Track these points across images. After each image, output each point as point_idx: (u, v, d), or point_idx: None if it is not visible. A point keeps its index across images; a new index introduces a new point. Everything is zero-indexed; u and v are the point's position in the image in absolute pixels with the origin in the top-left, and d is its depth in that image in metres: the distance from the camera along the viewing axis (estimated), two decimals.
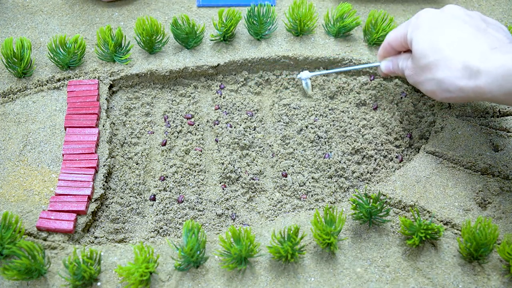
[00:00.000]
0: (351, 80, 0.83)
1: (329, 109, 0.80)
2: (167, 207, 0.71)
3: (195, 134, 0.78)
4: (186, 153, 0.76)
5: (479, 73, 0.62)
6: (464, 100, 0.67)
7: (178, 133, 0.78)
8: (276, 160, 0.76)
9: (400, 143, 0.77)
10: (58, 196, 0.68)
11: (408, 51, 0.74)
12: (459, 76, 0.64)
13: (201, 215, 0.71)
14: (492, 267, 0.64)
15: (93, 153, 0.72)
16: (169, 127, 0.79)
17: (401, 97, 0.81)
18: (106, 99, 0.79)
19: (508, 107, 0.77)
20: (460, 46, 0.65)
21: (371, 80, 0.83)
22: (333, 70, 0.81)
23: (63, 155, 0.72)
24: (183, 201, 0.72)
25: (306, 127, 0.79)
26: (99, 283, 0.62)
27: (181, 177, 0.74)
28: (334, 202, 0.72)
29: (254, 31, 0.84)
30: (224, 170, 0.74)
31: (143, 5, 0.91)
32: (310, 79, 0.81)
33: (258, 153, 0.77)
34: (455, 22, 0.67)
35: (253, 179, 0.74)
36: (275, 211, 0.71)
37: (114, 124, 0.78)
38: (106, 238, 0.68)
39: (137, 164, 0.75)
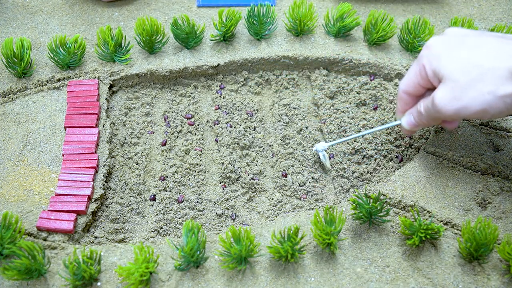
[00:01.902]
0: (351, 80, 0.83)
1: (329, 109, 0.80)
2: (167, 207, 0.71)
3: (195, 134, 0.78)
4: (186, 153, 0.76)
5: None
6: None
7: (178, 133, 0.78)
8: (276, 160, 0.76)
9: (400, 143, 0.77)
10: (58, 196, 0.68)
11: (425, 95, 0.68)
12: (510, 83, 0.60)
13: (201, 215, 0.71)
14: (492, 267, 0.64)
15: (93, 153, 0.72)
16: (169, 127, 0.79)
17: None
18: (106, 99, 0.79)
19: None
20: (497, 54, 0.61)
21: (371, 80, 0.83)
22: (350, 136, 0.74)
23: (63, 155, 0.72)
24: (183, 201, 0.72)
25: (306, 127, 0.79)
26: (99, 283, 0.62)
27: (181, 177, 0.74)
28: (334, 202, 0.72)
29: (254, 31, 0.84)
30: (224, 170, 0.74)
31: (143, 5, 0.91)
32: (326, 150, 0.75)
33: (258, 153, 0.77)
34: (471, 38, 0.64)
35: (253, 179, 0.74)
36: (275, 211, 0.72)
37: (114, 124, 0.78)
38: (106, 238, 0.68)
39: (137, 164, 0.75)
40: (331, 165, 0.75)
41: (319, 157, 0.75)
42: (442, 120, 0.68)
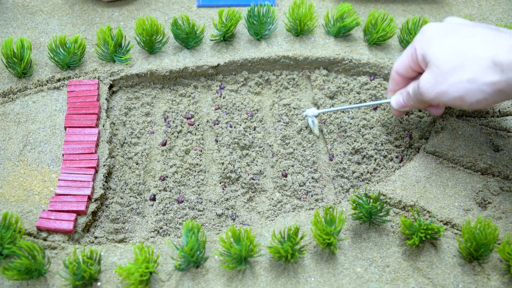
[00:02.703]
0: (351, 80, 0.83)
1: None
2: (167, 207, 0.71)
3: (195, 134, 0.78)
4: (186, 153, 0.76)
5: (511, 66, 0.60)
6: (494, 100, 0.63)
7: (178, 133, 0.78)
8: (276, 160, 0.76)
9: (400, 143, 0.77)
10: (58, 196, 0.68)
11: (416, 78, 0.70)
12: (491, 72, 0.61)
13: (201, 215, 0.71)
14: (492, 267, 0.64)
15: (93, 153, 0.72)
16: (169, 127, 0.79)
17: None
18: (106, 99, 0.79)
19: (508, 107, 0.77)
20: (484, 44, 0.62)
21: (371, 80, 0.83)
22: (342, 107, 0.77)
23: (63, 155, 0.72)
24: (183, 201, 0.72)
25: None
26: (99, 283, 0.62)
27: (181, 177, 0.74)
28: (334, 202, 0.72)
29: (254, 31, 0.84)
30: (224, 170, 0.74)
31: (143, 5, 0.91)
32: (317, 116, 0.77)
33: (258, 153, 0.77)
34: (466, 27, 0.66)
35: (253, 179, 0.74)
36: (275, 211, 0.71)
37: (114, 124, 0.78)
38: (106, 238, 0.68)
39: (137, 164, 0.75)
40: (334, 165, 0.75)
41: (308, 123, 0.77)
42: (428, 105, 0.70)
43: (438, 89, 0.64)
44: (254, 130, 0.79)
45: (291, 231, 0.62)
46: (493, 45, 0.62)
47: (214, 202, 0.72)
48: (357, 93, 0.82)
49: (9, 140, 0.74)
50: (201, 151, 0.76)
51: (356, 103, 0.76)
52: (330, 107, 0.78)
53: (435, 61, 0.64)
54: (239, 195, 0.73)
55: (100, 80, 0.80)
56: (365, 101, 0.81)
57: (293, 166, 0.75)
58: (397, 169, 0.74)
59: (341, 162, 0.75)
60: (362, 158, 0.76)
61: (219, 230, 0.70)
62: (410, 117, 0.79)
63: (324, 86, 0.82)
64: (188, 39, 0.83)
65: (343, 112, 0.80)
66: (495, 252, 0.64)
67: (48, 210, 0.67)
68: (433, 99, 0.66)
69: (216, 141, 0.77)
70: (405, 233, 0.64)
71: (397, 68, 0.71)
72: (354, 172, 0.74)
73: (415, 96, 0.68)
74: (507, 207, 0.68)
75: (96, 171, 0.71)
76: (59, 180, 0.69)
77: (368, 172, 0.74)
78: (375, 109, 0.80)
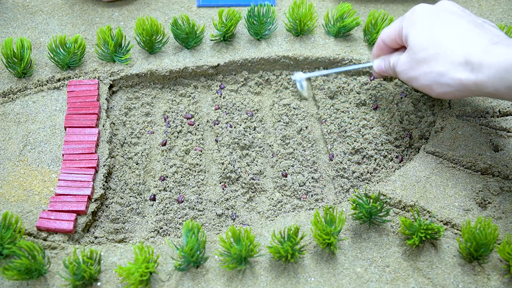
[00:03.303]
0: (351, 80, 0.83)
1: (329, 109, 0.80)
2: (167, 207, 0.71)
3: (195, 134, 0.78)
4: (186, 153, 0.76)
5: (481, 67, 0.61)
6: (461, 95, 0.66)
7: (178, 133, 0.78)
8: (276, 160, 0.76)
9: (400, 143, 0.77)
10: (58, 196, 0.68)
11: (401, 49, 0.73)
12: (461, 70, 0.63)
13: (201, 215, 0.71)
14: (492, 267, 0.64)
15: (93, 153, 0.72)
16: (169, 127, 0.79)
17: (401, 97, 0.81)
18: (106, 99, 0.79)
19: (508, 107, 0.77)
20: (461, 39, 0.64)
21: (371, 80, 0.83)
22: (327, 71, 0.79)
23: (63, 155, 0.72)
24: (183, 201, 0.72)
25: (306, 127, 0.79)
26: (99, 283, 0.62)
27: (181, 177, 0.74)
28: (334, 202, 0.72)
29: (254, 31, 0.84)
30: (224, 170, 0.74)
31: (143, 5, 0.91)
32: (306, 80, 0.80)
33: (258, 153, 0.77)
34: (453, 16, 0.67)
35: (253, 179, 0.74)
36: (275, 211, 0.71)
37: (114, 124, 0.78)
38: (106, 238, 0.68)
39: (137, 164, 0.75)
40: (333, 162, 0.75)
41: (297, 86, 0.79)
42: None
43: (410, 74, 0.68)
44: (254, 130, 0.79)
45: (291, 231, 0.62)
46: (470, 42, 0.63)
47: (214, 202, 0.72)
48: (357, 93, 0.82)
49: (9, 140, 0.74)
50: (201, 151, 0.76)
51: (341, 67, 0.79)
52: (315, 71, 0.81)
53: (413, 47, 0.67)
54: (239, 195, 0.73)
55: (100, 80, 0.80)
56: (365, 101, 0.81)
57: (293, 166, 0.75)
58: (397, 169, 0.74)
59: (341, 162, 0.75)
60: (362, 158, 0.75)
61: (219, 230, 0.70)
62: (410, 117, 0.79)
63: (324, 86, 0.82)
64: (188, 39, 0.83)
65: (343, 112, 0.80)
66: (495, 252, 0.64)
67: (48, 210, 0.67)
68: (405, 81, 0.70)
69: (216, 141, 0.77)
70: (405, 233, 0.64)
71: (383, 37, 0.73)
72: (354, 172, 0.74)
73: (392, 69, 0.72)
74: (507, 207, 0.68)
75: (96, 171, 0.71)
76: (59, 180, 0.69)
77: (368, 172, 0.74)
78: (375, 109, 0.80)
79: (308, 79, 0.84)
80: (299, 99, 0.82)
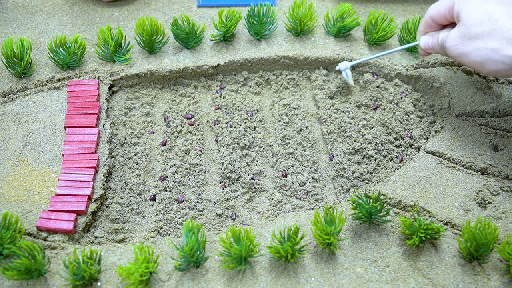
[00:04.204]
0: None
1: (329, 109, 0.80)
2: (167, 207, 0.71)
3: (195, 134, 0.78)
4: (186, 153, 0.76)
5: None
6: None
7: (178, 133, 0.78)
8: (276, 160, 0.76)
9: (400, 143, 0.77)
10: (58, 196, 0.68)
11: (449, 26, 0.72)
12: None
13: (201, 215, 0.71)
14: (492, 267, 0.64)
15: (93, 153, 0.72)
16: (169, 127, 0.79)
17: (401, 97, 0.81)
18: (106, 99, 0.79)
19: (508, 107, 0.77)
20: None
21: (375, 79, 0.83)
22: (371, 56, 0.80)
23: (63, 155, 0.72)
24: (183, 201, 0.72)
25: (306, 127, 0.79)
26: (99, 283, 0.62)
27: (181, 177, 0.74)
28: (334, 202, 0.72)
29: (254, 31, 0.84)
30: (224, 170, 0.74)
31: (143, 5, 0.91)
32: (350, 69, 0.80)
33: (258, 153, 0.77)
34: None
35: (253, 179, 0.74)
36: (275, 211, 0.71)
37: (114, 124, 0.78)
38: (106, 238, 0.68)
39: (137, 164, 0.75)
40: (333, 164, 0.75)
41: (342, 75, 0.79)
42: None
43: (461, 49, 0.66)
44: (254, 130, 0.79)
45: (291, 231, 0.62)
46: None
47: (214, 202, 0.72)
48: (357, 93, 0.82)
49: (9, 140, 0.74)
50: (201, 151, 0.76)
51: (385, 51, 0.79)
52: (359, 58, 0.80)
53: (466, 21, 0.65)
54: (239, 195, 0.73)
55: (100, 80, 0.80)
56: (365, 101, 0.81)
57: (293, 166, 0.75)
58: (397, 169, 0.74)
59: (341, 162, 0.75)
60: (362, 158, 0.75)
61: (219, 230, 0.70)
62: (410, 117, 0.79)
63: (324, 86, 0.82)
64: (188, 39, 0.83)
65: (343, 112, 0.80)
66: (495, 252, 0.64)
67: (48, 210, 0.67)
68: (454, 57, 0.68)
69: (216, 141, 0.77)
70: (405, 233, 0.64)
71: (432, 13, 0.72)
72: (354, 172, 0.74)
73: (441, 46, 0.70)
74: (507, 207, 0.68)
75: (96, 171, 0.71)
76: (59, 180, 0.69)
77: (368, 172, 0.74)
78: (375, 109, 0.80)
79: (308, 77, 0.84)
80: (299, 99, 0.82)
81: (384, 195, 0.69)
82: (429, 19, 0.73)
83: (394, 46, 0.85)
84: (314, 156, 0.76)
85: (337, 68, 0.80)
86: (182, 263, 0.62)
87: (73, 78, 0.80)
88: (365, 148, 0.76)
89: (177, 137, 0.78)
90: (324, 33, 0.87)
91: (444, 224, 0.67)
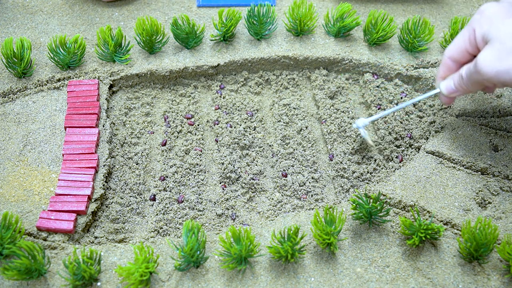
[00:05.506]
0: (351, 80, 0.83)
1: (329, 109, 0.80)
2: (167, 207, 0.71)
3: (195, 134, 0.78)
4: (186, 153, 0.76)
5: None
6: None
7: (178, 133, 0.78)
8: (276, 160, 0.76)
9: (400, 143, 0.77)
10: (58, 196, 0.68)
11: (471, 60, 0.67)
12: None
13: (201, 215, 0.71)
14: (492, 267, 0.64)
15: (93, 153, 0.72)
16: (169, 127, 0.79)
17: (401, 97, 0.81)
18: (106, 99, 0.79)
19: (508, 107, 0.77)
20: None
21: (375, 79, 0.83)
22: (389, 110, 0.73)
23: (63, 155, 0.72)
24: (183, 201, 0.72)
25: (306, 127, 0.79)
26: (99, 283, 0.62)
27: (181, 177, 0.74)
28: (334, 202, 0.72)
29: (254, 31, 0.84)
30: (224, 170, 0.74)
31: (143, 5, 0.91)
32: (367, 127, 0.74)
33: (258, 153, 0.77)
34: None
35: (253, 179, 0.74)
36: (275, 211, 0.71)
37: (114, 124, 0.78)
38: (106, 238, 0.68)
39: (137, 164, 0.75)
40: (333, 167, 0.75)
41: (360, 134, 0.73)
42: (482, 87, 0.65)
43: (500, 66, 0.60)
44: (254, 130, 0.79)
45: (291, 231, 0.62)
46: None
47: (214, 202, 0.72)
48: (357, 93, 0.82)
49: (9, 140, 0.74)
50: (201, 151, 0.76)
51: (404, 103, 0.73)
52: (377, 113, 0.74)
53: (498, 37, 0.61)
54: (239, 195, 0.73)
55: (100, 80, 0.80)
56: (365, 101, 0.81)
57: (293, 166, 0.75)
58: (397, 169, 0.74)
59: (341, 162, 0.75)
60: (362, 158, 0.75)
61: (219, 230, 0.70)
62: (410, 117, 0.79)
63: (324, 86, 0.82)
64: (188, 39, 0.83)
65: (343, 112, 0.80)
66: (495, 252, 0.64)
67: (48, 210, 0.67)
68: (492, 77, 0.61)
69: (216, 141, 0.77)
70: (405, 233, 0.64)
71: (450, 53, 0.68)
72: (354, 172, 0.74)
73: (470, 77, 0.64)
74: (507, 207, 0.68)
75: (96, 171, 0.71)
76: (59, 180, 0.69)
77: (368, 172, 0.74)
78: (378, 109, 0.80)
79: (308, 77, 0.84)
80: (299, 99, 0.82)
81: (384, 195, 0.69)
82: (448, 61, 0.68)
83: (394, 47, 0.85)
84: (314, 156, 0.76)
85: (354, 126, 0.73)
86: (182, 263, 0.62)
87: (73, 78, 0.80)
88: (365, 148, 0.76)
89: (177, 137, 0.78)
90: (324, 33, 0.87)
91: (444, 224, 0.67)
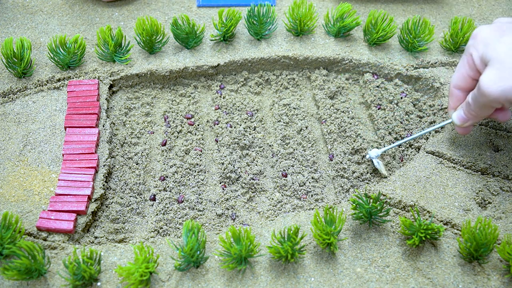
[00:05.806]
0: (351, 80, 0.83)
1: (329, 109, 0.80)
2: (167, 207, 0.71)
3: (195, 134, 0.78)
4: (186, 153, 0.76)
5: None
6: None
7: (178, 133, 0.78)
8: (276, 160, 0.76)
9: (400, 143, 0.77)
10: (58, 196, 0.68)
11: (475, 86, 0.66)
12: None
13: (201, 215, 0.71)
14: (492, 267, 0.64)
15: (93, 153, 0.72)
16: (169, 127, 0.79)
17: (401, 97, 0.81)
18: (106, 99, 0.79)
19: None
20: None
21: (375, 79, 0.83)
22: (402, 140, 0.73)
23: (63, 155, 0.72)
24: (183, 201, 0.72)
25: (306, 127, 0.79)
26: (99, 283, 0.62)
27: (181, 177, 0.74)
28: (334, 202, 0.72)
29: (254, 31, 0.84)
30: (224, 170, 0.74)
31: (143, 5, 0.91)
32: (379, 157, 0.74)
33: (258, 153, 0.77)
34: None
35: (253, 179, 0.74)
36: (275, 211, 0.71)
37: (114, 124, 0.78)
38: (106, 238, 0.68)
39: (137, 164, 0.75)
40: (334, 171, 0.75)
41: (373, 164, 0.73)
42: (493, 111, 0.65)
43: (504, 85, 0.60)
44: (254, 130, 0.79)
45: (291, 231, 0.62)
46: None
47: (214, 202, 0.72)
48: (357, 93, 0.82)
49: (9, 140, 0.74)
50: (201, 151, 0.76)
51: (417, 133, 0.73)
52: (391, 144, 0.75)
53: (496, 57, 0.61)
54: (239, 195, 0.73)
55: (100, 80, 0.80)
56: (365, 101, 0.81)
57: (293, 166, 0.75)
58: (397, 169, 0.74)
59: (341, 162, 0.75)
60: (362, 158, 0.75)
61: (219, 230, 0.70)
62: (410, 117, 0.79)
63: (324, 86, 0.82)
64: (188, 39, 0.83)
65: (343, 112, 0.80)
66: (495, 252, 0.64)
67: (48, 210, 0.67)
68: (498, 97, 0.61)
69: (216, 141, 0.77)
70: (405, 233, 0.64)
71: (455, 82, 0.68)
72: (354, 172, 0.74)
73: (476, 102, 0.64)
74: (507, 207, 0.68)
75: (96, 171, 0.71)
76: (59, 180, 0.69)
77: (368, 172, 0.74)
78: (379, 109, 0.80)
79: (308, 77, 0.84)
80: (299, 99, 0.82)
81: (384, 195, 0.69)
82: (455, 91, 0.69)
83: (394, 47, 0.85)
84: (314, 156, 0.76)
85: (367, 157, 0.74)
86: (182, 263, 0.62)
87: (73, 78, 0.80)
88: (365, 148, 0.76)
89: (177, 137, 0.78)
90: (324, 33, 0.87)
91: (444, 224, 0.67)
